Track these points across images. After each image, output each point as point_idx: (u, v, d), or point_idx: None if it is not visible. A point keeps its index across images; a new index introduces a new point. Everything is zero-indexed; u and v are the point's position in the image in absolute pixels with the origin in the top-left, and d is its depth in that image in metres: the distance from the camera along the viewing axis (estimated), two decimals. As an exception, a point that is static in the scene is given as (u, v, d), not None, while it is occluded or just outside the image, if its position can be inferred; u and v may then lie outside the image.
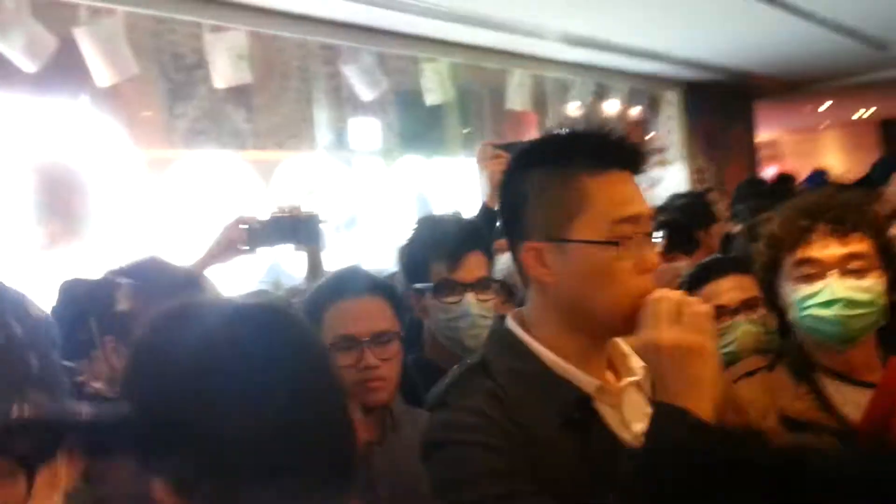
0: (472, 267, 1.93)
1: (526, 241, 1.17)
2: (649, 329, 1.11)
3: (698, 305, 1.13)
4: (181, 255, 2.24)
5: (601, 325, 1.17)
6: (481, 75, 5.19)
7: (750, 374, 1.71)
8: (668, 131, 6.97)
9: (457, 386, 1.18)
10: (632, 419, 1.17)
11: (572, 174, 1.16)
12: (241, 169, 4.03)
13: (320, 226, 2.37)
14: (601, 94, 6.14)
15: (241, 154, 4.05)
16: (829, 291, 1.60)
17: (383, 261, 4.32)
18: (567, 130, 1.24)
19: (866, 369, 1.64)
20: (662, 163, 6.66)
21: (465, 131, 5.39)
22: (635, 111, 6.71)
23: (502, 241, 3.96)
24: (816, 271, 1.62)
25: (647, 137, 7.08)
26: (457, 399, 1.16)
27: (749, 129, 8.37)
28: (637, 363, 1.22)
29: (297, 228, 2.32)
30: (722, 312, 1.90)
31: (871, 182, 5.19)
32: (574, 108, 5.84)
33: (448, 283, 1.91)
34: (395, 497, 1.56)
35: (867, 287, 1.59)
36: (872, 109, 12.95)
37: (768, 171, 12.09)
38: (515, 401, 1.14)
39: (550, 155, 1.19)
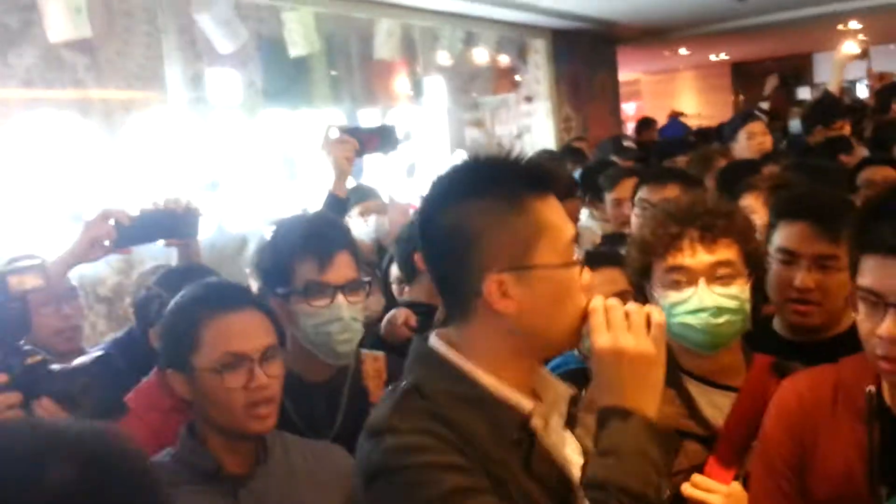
0: (342, 267, 1.83)
1: (485, 273, 1.13)
2: (606, 336, 1.15)
3: (654, 314, 1.17)
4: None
5: (554, 344, 1.20)
6: (348, 24, 4.96)
7: None
8: (536, 80, 6.99)
9: (398, 410, 1.12)
10: (556, 439, 1.20)
11: (525, 200, 1.15)
12: (83, 125, 3.67)
13: (199, 220, 2.20)
14: (470, 42, 6.05)
15: (83, 108, 3.68)
16: (698, 299, 1.62)
17: (249, 225, 4.14)
18: (490, 158, 1.21)
19: (731, 373, 1.69)
20: (529, 114, 6.70)
21: (332, 73, 5.17)
22: (504, 59, 6.67)
23: (369, 203, 3.90)
24: (685, 278, 1.64)
25: (514, 83, 7.09)
26: (402, 422, 1.10)
27: (613, 75, 8.55)
28: (561, 386, 1.24)
29: (174, 224, 2.14)
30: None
31: (722, 136, 5.42)
32: (443, 57, 5.73)
33: (317, 286, 1.81)
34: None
35: (734, 294, 1.63)
36: (724, 55, 13.56)
37: (628, 108, 12.54)
38: (461, 423, 1.11)
39: (494, 183, 1.16)
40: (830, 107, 5.34)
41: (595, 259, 2.07)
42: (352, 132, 2.55)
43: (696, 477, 1.58)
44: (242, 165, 4.26)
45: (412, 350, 1.23)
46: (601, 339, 1.15)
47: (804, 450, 1.36)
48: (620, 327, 1.15)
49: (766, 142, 4.54)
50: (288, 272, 1.82)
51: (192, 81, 4.14)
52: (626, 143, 5.97)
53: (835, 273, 1.84)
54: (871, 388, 1.31)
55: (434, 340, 1.20)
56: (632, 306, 1.18)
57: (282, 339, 1.64)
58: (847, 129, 5.22)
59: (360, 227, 3.71)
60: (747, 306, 1.65)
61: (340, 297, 1.81)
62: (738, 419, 1.61)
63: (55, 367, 1.40)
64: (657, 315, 1.17)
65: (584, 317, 1.17)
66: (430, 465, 1.06)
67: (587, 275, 1.19)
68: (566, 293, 1.15)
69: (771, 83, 7.53)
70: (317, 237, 1.83)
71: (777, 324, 1.98)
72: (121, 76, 3.86)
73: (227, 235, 4.12)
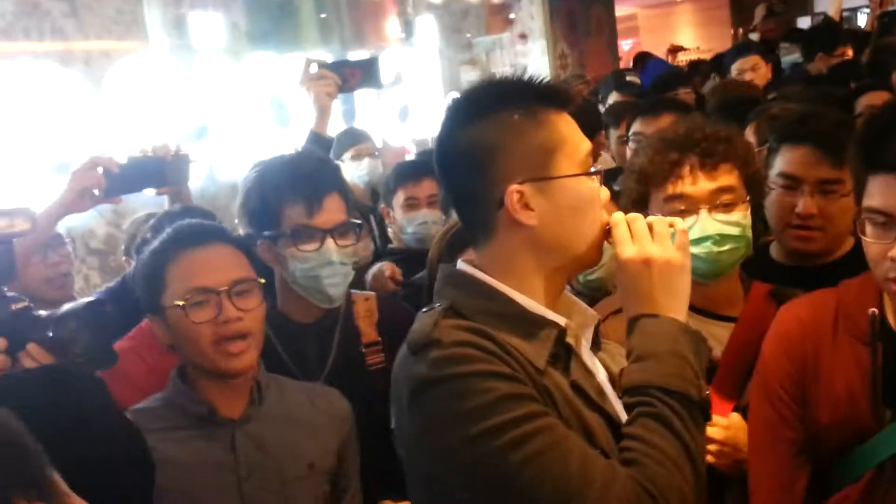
0: (332, 211, 1.77)
1: (506, 184, 1.13)
2: (632, 247, 1.14)
3: (676, 222, 1.18)
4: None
5: (579, 258, 1.18)
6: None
7: (617, 312, 1.68)
8: (531, 16, 6.82)
9: (439, 325, 1.11)
10: (588, 359, 1.19)
11: (544, 114, 1.15)
12: (64, 75, 3.57)
13: (189, 166, 2.14)
14: (462, -22, 5.87)
15: (64, 59, 3.58)
16: (701, 228, 1.58)
17: (239, 172, 4.06)
18: (506, 78, 1.21)
19: (729, 303, 1.66)
20: (524, 53, 6.55)
21: (320, 16, 5.03)
22: (497, -5, 6.50)
23: (362, 147, 3.83)
24: (686, 207, 1.59)
25: (508, 21, 6.93)
26: (445, 335, 1.09)
27: (609, 9, 8.35)
28: (585, 308, 1.24)
29: (164, 171, 2.08)
30: None
31: (721, 65, 5.30)
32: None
33: (306, 230, 1.76)
34: (264, 479, 1.46)
35: (737, 221, 1.59)
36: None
37: (625, 45, 12.30)
38: (503, 337, 1.10)
39: (514, 98, 1.16)
40: (831, 33, 5.21)
41: None
42: (333, 67, 2.46)
43: None
44: (230, 111, 4.16)
45: (440, 277, 1.21)
46: (627, 249, 1.14)
47: (805, 375, 1.34)
48: (645, 237, 1.15)
49: (759, 76, 4.46)
50: (275, 215, 1.77)
51: (173, 26, 4.02)
52: (629, 78, 5.83)
53: (837, 198, 1.80)
54: (874, 310, 1.28)
55: (461, 265, 1.20)
56: (654, 217, 1.18)
57: (263, 276, 1.61)
58: (849, 55, 5.10)
59: (353, 170, 3.66)
60: (749, 232, 1.62)
61: (330, 241, 1.76)
62: (737, 349, 1.59)
63: (42, 312, 1.37)
64: (680, 223, 1.18)
65: (606, 232, 1.17)
66: (478, 373, 1.04)
67: (605, 192, 1.17)
68: (586, 204, 1.15)
69: (759, 13, 7.36)
70: (305, 179, 1.77)
71: (775, 250, 1.94)
72: (100, 23, 3.74)
73: (217, 183, 4.06)
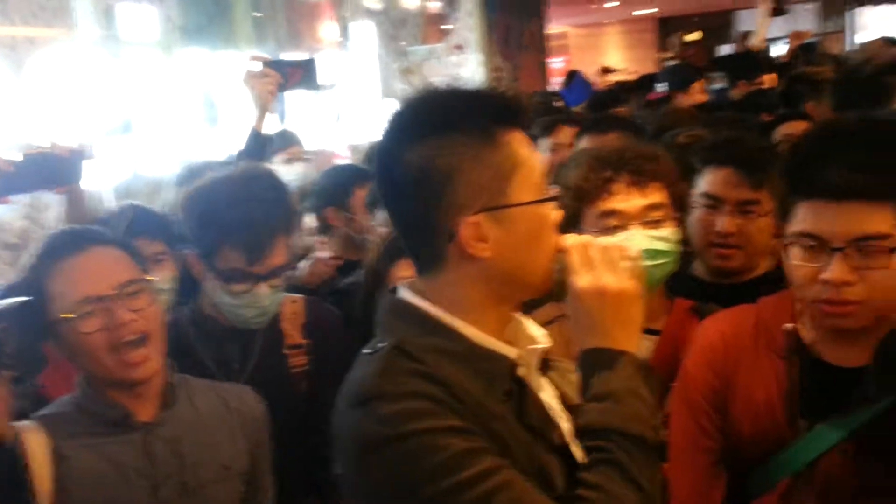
0: (273, 257, 1.71)
1: (460, 216, 1.05)
2: (586, 276, 1.10)
3: (626, 249, 1.14)
4: None
5: (531, 287, 1.13)
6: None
7: (553, 321, 1.72)
8: (468, 29, 6.89)
9: (385, 372, 1.04)
10: (537, 385, 1.16)
11: (500, 134, 1.07)
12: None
13: (84, 163, 2.05)
14: (400, -14, 5.89)
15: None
16: (632, 243, 1.62)
17: (162, 169, 3.96)
18: (454, 91, 1.11)
19: (653, 317, 1.70)
20: (460, 64, 6.61)
21: (255, 14, 4.96)
22: (433, 5, 6.54)
23: (294, 150, 3.80)
24: (619, 223, 1.64)
25: (444, 32, 6.98)
26: (392, 386, 1.02)
27: (541, 26, 8.52)
28: (538, 331, 1.19)
29: (56, 169, 1.98)
30: None
31: (650, 83, 5.47)
32: (372, 1, 5.57)
33: (241, 274, 1.70)
34: (180, 483, 1.42)
35: (666, 236, 1.65)
36: (650, 10, 13.68)
37: (555, 63, 12.56)
38: (453, 380, 1.03)
39: (468, 115, 1.07)
40: (752, 61, 5.47)
41: None
42: (275, 65, 2.44)
43: None
44: (158, 107, 4.06)
45: (383, 306, 1.14)
46: (581, 279, 1.10)
47: (726, 386, 1.39)
48: (599, 265, 1.11)
49: (704, 98, 4.67)
50: (214, 248, 1.71)
51: (102, 16, 3.89)
52: (555, 104, 5.95)
53: (756, 218, 1.88)
54: (789, 325, 1.34)
55: (406, 293, 1.12)
56: (606, 241, 1.15)
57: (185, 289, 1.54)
58: (770, 83, 5.35)
59: (284, 174, 3.60)
60: (678, 248, 1.67)
61: (263, 287, 1.72)
62: (659, 361, 1.65)
63: None
64: (630, 249, 1.15)
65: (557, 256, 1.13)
66: (432, 430, 0.99)
67: (558, 212, 1.13)
68: (542, 231, 1.10)
69: (678, 40, 7.68)
70: (251, 226, 1.67)
71: (697, 267, 2.01)
72: (26, 7, 3.60)
73: (141, 179, 3.95)
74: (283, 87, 2.43)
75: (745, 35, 7.31)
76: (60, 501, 1.33)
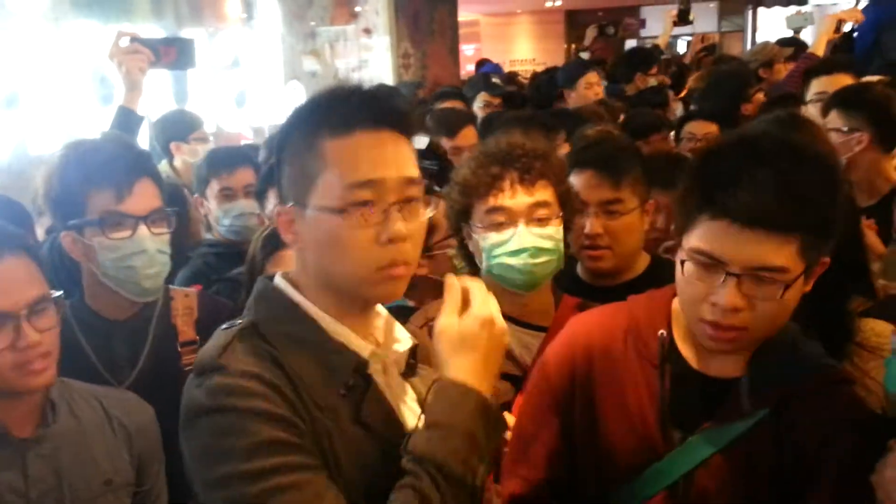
0: (144, 196, 1.68)
1: (280, 204, 1.15)
2: (452, 315, 1.13)
3: (489, 299, 1.16)
4: None
5: (348, 293, 1.13)
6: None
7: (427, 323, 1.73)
8: (376, 11, 6.82)
9: (231, 348, 1.07)
10: (396, 387, 1.18)
11: (314, 137, 1.11)
12: None
13: None
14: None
15: None
16: (518, 240, 1.66)
17: (49, 146, 3.77)
18: (322, 91, 1.15)
19: (541, 314, 1.76)
20: (368, 47, 6.54)
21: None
22: (343, -12, 6.44)
23: (198, 133, 3.69)
24: (506, 219, 1.67)
25: (353, 14, 6.89)
26: (233, 362, 1.05)
27: (452, 12, 8.51)
28: (404, 334, 1.22)
29: None
30: None
31: (553, 83, 5.58)
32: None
33: (116, 216, 1.66)
34: (58, 502, 1.37)
35: (551, 234, 1.68)
36: (559, 2, 13.90)
37: (467, 51, 12.61)
38: (294, 367, 1.08)
39: (300, 118, 1.15)
40: (648, 55, 5.68)
41: None
42: (147, 42, 2.36)
43: (506, 415, 1.63)
44: (46, 81, 3.85)
45: (256, 289, 1.18)
46: (449, 316, 1.13)
47: (589, 389, 1.35)
48: (471, 306, 1.14)
49: (600, 91, 4.77)
50: (81, 202, 1.66)
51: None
52: (494, 80, 5.99)
53: (620, 217, 1.94)
54: (663, 332, 1.31)
55: (278, 279, 1.18)
56: (470, 282, 1.17)
57: (61, 282, 1.48)
58: (664, 79, 5.55)
59: (189, 156, 3.51)
60: (562, 246, 1.72)
61: (143, 228, 1.67)
62: None
63: None
64: (489, 298, 1.17)
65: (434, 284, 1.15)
66: (249, 410, 1.02)
67: (399, 224, 1.09)
68: (336, 241, 1.09)
69: (590, 34, 7.84)
70: (112, 163, 1.67)
71: (579, 269, 2.07)
72: None
73: (28, 157, 3.75)
74: (155, 65, 2.35)
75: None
76: None
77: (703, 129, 3.47)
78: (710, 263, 1.18)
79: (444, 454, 1.05)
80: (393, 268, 1.10)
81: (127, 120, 2.26)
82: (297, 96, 5.75)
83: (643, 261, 2.03)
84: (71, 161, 1.69)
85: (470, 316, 1.14)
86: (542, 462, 1.38)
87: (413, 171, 1.13)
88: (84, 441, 1.44)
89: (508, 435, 1.53)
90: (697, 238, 1.19)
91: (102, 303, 1.75)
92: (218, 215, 2.67)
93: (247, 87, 5.45)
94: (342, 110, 1.11)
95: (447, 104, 4.48)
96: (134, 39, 2.32)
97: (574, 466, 1.37)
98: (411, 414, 1.18)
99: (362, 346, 1.14)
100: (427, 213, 1.14)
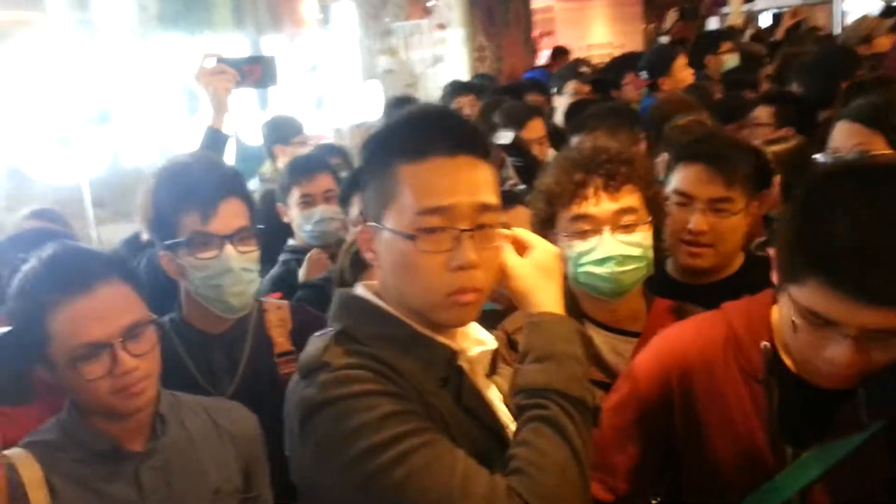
0: (229, 216, 1.72)
1: (362, 221, 1.19)
2: (514, 255, 1.19)
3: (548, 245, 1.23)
4: None
5: (420, 313, 1.14)
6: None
7: (518, 330, 1.71)
8: (448, 7, 6.81)
9: (329, 350, 1.11)
10: (482, 384, 1.20)
11: (391, 160, 1.13)
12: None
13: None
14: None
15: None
16: (604, 249, 1.62)
17: (142, 160, 3.92)
18: (405, 115, 1.18)
19: (633, 319, 1.72)
20: (442, 41, 6.53)
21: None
22: (416, -16, 6.45)
23: (298, 139, 3.76)
24: (590, 227, 1.63)
25: (427, 10, 6.90)
26: (335, 359, 1.10)
27: (526, 2, 8.43)
28: (486, 335, 1.24)
29: None
30: None
31: (634, 64, 5.44)
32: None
33: (202, 237, 1.70)
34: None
35: (638, 241, 1.63)
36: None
37: (543, 42, 12.45)
38: (392, 361, 1.10)
39: (379, 140, 1.19)
40: (714, 35, 5.48)
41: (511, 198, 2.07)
42: (231, 62, 2.40)
43: None
44: (136, 95, 3.99)
45: (336, 301, 1.21)
46: (514, 256, 1.18)
47: (687, 404, 1.31)
48: (538, 240, 1.20)
49: (689, 76, 4.61)
50: (172, 224, 1.71)
51: (76, 1, 3.82)
52: (582, 70, 5.92)
53: (728, 217, 1.87)
54: (766, 343, 1.25)
55: (360, 289, 1.21)
56: (524, 230, 1.23)
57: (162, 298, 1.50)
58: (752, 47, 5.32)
59: (290, 159, 3.61)
60: (650, 253, 1.66)
61: (229, 248, 1.71)
62: None
63: None
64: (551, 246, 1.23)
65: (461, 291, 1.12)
66: (363, 392, 1.05)
67: (470, 252, 1.09)
68: (407, 265, 1.11)
69: (671, 17, 7.61)
70: (198, 185, 1.71)
71: (669, 266, 2.00)
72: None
73: (122, 170, 3.91)
74: (241, 84, 2.39)
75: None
76: None
77: (766, 113, 3.25)
78: (824, 324, 1.10)
79: (565, 380, 1.08)
80: (461, 294, 1.10)
81: (215, 140, 2.31)
82: (374, 95, 5.80)
83: (738, 258, 1.96)
84: (162, 185, 1.75)
85: (540, 250, 1.20)
86: (625, 474, 1.36)
87: (488, 196, 1.13)
88: (193, 451, 1.48)
89: None
90: (807, 298, 1.10)
91: (198, 317, 1.80)
92: (300, 222, 2.71)
93: (325, 89, 5.53)
94: (417, 135, 1.12)
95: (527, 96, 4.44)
96: (220, 60, 2.37)
97: (676, 484, 1.33)
98: (501, 410, 1.20)
99: (449, 342, 1.17)
100: (500, 242, 1.16)
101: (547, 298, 1.16)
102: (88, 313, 1.32)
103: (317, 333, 1.17)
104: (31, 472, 1.33)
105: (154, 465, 1.42)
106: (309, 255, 2.53)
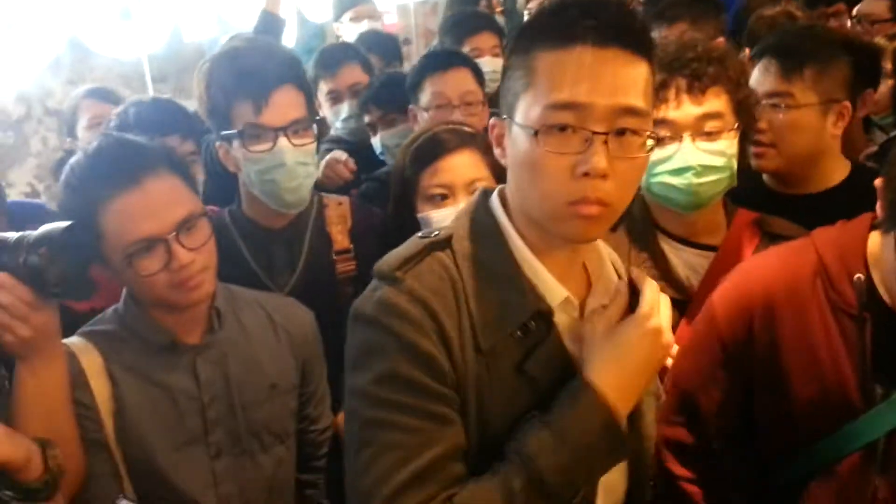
0: (282, 106, 1.63)
1: (500, 116, 1.07)
2: (648, 317, 1.04)
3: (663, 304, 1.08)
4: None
5: (539, 223, 1.03)
6: None
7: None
8: None
9: (414, 261, 1.04)
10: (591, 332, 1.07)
11: (532, 45, 1.00)
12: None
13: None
14: None
15: None
16: (682, 158, 1.50)
17: (203, 35, 3.83)
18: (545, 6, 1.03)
19: (711, 232, 1.62)
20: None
21: None
22: None
23: (361, 8, 3.68)
24: (669, 133, 1.51)
25: None
26: (409, 278, 1.02)
27: None
28: (610, 282, 1.12)
29: None
30: None
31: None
32: None
33: (255, 129, 1.63)
34: (227, 405, 1.43)
35: (721, 150, 1.51)
36: None
37: None
38: (472, 298, 1.02)
39: (525, 25, 1.07)
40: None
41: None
42: None
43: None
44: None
45: (474, 199, 1.11)
46: (648, 317, 1.04)
47: (771, 343, 1.22)
48: (646, 306, 1.05)
49: None
50: (226, 115, 1.65)
51: None
52: None
53: (786, 111, 1.74)
54: (860, 276, 1.16)
55: (494, 196, 1.10)
56: (650, 284, 1.08)
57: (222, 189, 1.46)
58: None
59: (353, 32, 3.51)
60: (734, 162, 1.54)
61: (283, 140, 1.64)
62: (714, 281, 1.50)
63: (10, 235, 1.23)
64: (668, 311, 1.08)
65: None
66: (401, 338, 0.98)
67: (599, 157, 0.95)
68: (528, 164, 0.99)
69: None
70: (251, 73, 1.62)
71: (766, 175, 1.88)
72: None
73: (183, 45, 3.83)
74: None
75: None
76: (117, 423, 1.35)
77: (875, 9, 2.97)
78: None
79: (549, 464, 0.97)
80: (584, 205, 0.97)
81: (270, 24, 2.21)
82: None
83: (841, 168, 1.81)
84: (215, 72, 1.67)
85: (633, 320, 1.04)
86: (709, 416, 1.30)
87: (636, 99, 0.97)
88: (250, 346, 1.48)
89: (669, 361, 1.45)
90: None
91: (257, 211, 1.77)
92: (331, 119, 2.58)
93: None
94: (563, 18, 0.98)
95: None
96: None
97: (753, 421, 1.27)
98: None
99: (554, 291, 1.05)
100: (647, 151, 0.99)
101: (605, 375, 1.01)
102: (140, 209, 1.30)
103: (420, 234, 1.09)
104: (91, 360, 1.36)
105: (210, 359, 1.43)
106: (330, 157, 2.36)
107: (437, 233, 1.07)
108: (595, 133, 0.95)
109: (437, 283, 1.02)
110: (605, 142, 0.95)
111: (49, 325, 1.24)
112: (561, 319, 1.06)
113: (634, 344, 1.03)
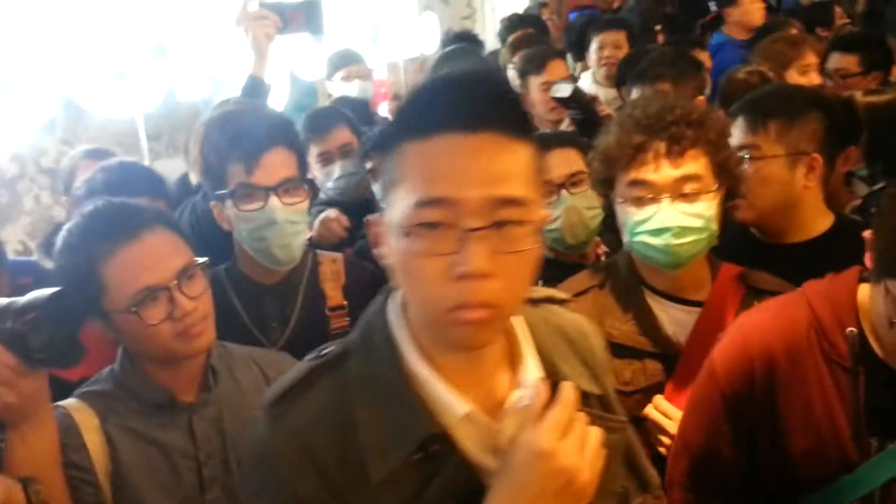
0: (273, 167, 1.68)
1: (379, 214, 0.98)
2: (550, 438, 0.88)
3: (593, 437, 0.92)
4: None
5: (429, 321, 0.91)
6: None
7: (582, 293, 1.66)
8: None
9: (301, 386, 0.96)
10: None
11: (399, 138, 0.90)
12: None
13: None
14: None
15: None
16: (660, 219, 1.53)
17: (197, 94, 3.90)
18: (426, 82, 0.95)
19: (695, 287, 1.64)
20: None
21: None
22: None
23: (352, 68, 3.78)
24: (649, 194, 1.53)
25: None
26: (293, 406, 0.94)
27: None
28: (530, 374, 0.97)
29: None
30: (546, 188, 1.85)
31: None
32: None
33: (246, 188, 1.68)
34: (224, 462, 1.43)
35: (698, 213, 1.53)
36: None
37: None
38: (364, 425, 0.92)
39: (396, 117, 0.97)
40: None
41: (546, 141, 2.00)
42: (274, 7, 2.32)
43: (658, 399, 1.56)
44: (191, 30, 3.95)
45: (375, 302, 1.01)
46: (547, 437, 0.88)
47: (768, 397, 1.26)
48: (572, 440, 0.89)
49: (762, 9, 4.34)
50: (220, 176, 1.70)
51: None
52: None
53: (752, 163, 1.78)
54: (852, 329, 1.18)
55: (391, 302, 0.99)
56: (564, 398, 0.91)
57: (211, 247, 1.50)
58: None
59: (344, 91, 3.60)
60: (713, 224, 1.56)
61: (273, 200, 1.69)
62: (701, 338, 1.56)
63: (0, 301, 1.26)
64: (594, 439, 0.91)
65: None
66: (278, 484, 0.92)
67: (477, 257, 0.84)
68: (405, 267, 0.88)
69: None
70: (243, 135, 1.68)
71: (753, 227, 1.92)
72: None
73: (178, 104, 3.90)
74: (283, 31, 2.31)
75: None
76: (114, 483, 1.35)
77: (845, 63, 2.99)
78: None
79: None
80: (466, 310, 0.85)
81: (255, 89, 2.26)
82: (430, 28, 5.65)
83: (823, 220, 1.84)
84: (210, 134, 1.73)
85: (520, 444, 0.88)
86: (724, 475, 1.32)
87: (515, 188, 0.85)
88: (244, 403, 1.49)
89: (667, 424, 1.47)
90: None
91: (251, 268, 1.80)
92: (322, 180, 2.63)
93: (380, 21, 5.40)
94: (428, 105, 0.88)
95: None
96: (262, 4, 2.29)
97: (753, 473, 1.29)
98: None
99: (453, 406, 0.92)
100: (534, 244, 0.87)
101: (500, 501, 0.88)
102: (142, 259, 1.34)
103: (312, 354, 1.00)
104: (87, 421, 1.36)
105: (206, 416, 1.44)
106: (323, 215, 2.38)
107: (328, 350, 0.99)
108: (469, 230, 0.84)
109: (319, 415, 0.93)
110: (483, 237, 0.84)
111: (37, 391, 1.25)
112: (469, 432, 0.93)
113: (523, 468, 0.88)
